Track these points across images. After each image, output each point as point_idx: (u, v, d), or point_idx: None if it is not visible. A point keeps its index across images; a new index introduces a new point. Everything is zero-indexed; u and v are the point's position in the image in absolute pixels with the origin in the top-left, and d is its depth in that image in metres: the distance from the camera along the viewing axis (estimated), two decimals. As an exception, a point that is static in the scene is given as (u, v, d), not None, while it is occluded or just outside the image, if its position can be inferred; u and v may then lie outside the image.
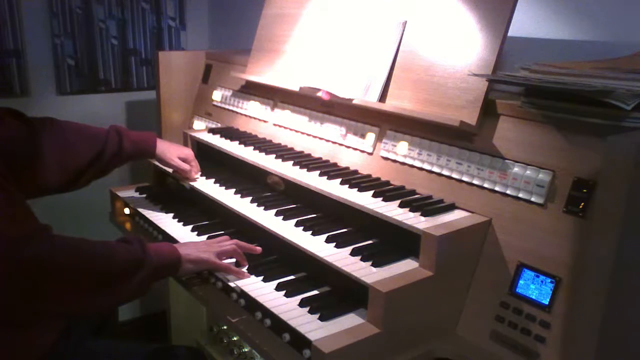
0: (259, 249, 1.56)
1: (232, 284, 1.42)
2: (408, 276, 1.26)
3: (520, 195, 1.31)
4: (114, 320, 1.89)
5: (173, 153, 1.83)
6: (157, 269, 1.38)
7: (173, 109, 2.52)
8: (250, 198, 1.69)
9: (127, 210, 2.03)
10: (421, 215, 1.37)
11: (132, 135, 1.78)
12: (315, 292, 1.39)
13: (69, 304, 1.27)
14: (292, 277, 1.46)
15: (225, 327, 2.23)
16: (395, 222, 1.35)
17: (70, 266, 1.24)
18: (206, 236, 1.68)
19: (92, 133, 1.71)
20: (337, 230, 1.49)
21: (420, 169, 1.54)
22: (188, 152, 1.88)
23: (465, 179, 1.43)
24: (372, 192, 1.49)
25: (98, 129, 1.74)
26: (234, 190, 1.77)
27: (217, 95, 2.38)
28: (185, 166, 1.84)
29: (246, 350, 2.14)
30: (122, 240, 1.41)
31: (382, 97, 1.64)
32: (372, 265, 1.31)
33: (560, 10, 1.63)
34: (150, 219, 1.85)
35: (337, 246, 1.40)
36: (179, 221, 1.81)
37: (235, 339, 2.20)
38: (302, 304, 1.32)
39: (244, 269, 1.49)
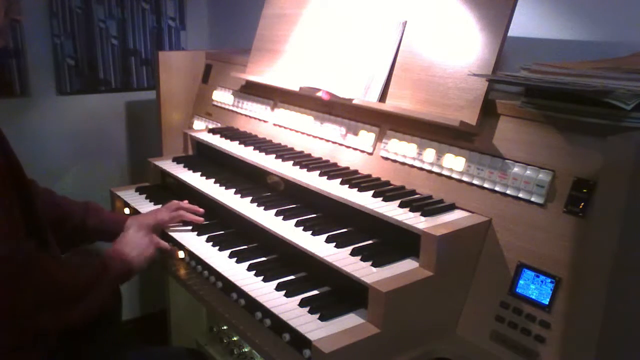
0: (201, 210, 1.75)
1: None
2: (408, 276, 1.26)
3: (520, 195, 1.31)
4: (116, 320, 1.88)
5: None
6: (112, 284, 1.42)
7: (173, 109, 2.52)
8: (250, 198, 1.69)
9: (127, 210, 2.03)
10: (421, 215, 1.37)
11: (104, 214, 1.73)
12: (315, 292, 1.39)
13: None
14: (292, 277, 1.46)
15: (225, 327, 2.23)
16: (395, 222, 1.35)
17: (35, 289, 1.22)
18: (206, 236, 1.68)
19: (60, 203, 1.67)
20: (337, 230, 1.49)
21: (420, 169, 1.54)
22: (161, 217, 1.75)
23: (465, 179, 1.43)
24: (372, 192, 1.49)
25: (71, 202, 1.70)
26: (234, 190, 1.77)
27: (217, 95, 2.38)
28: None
29: (246, 350, 2.14)
30: (81, 253, 1.40)
31: (382, 97, 1.64)
32: (372, 265, 1.31)
33: (560, 10, 1.63)
34: (150, 219, 1.85)
35: (337, 246, 1.40)
36: (179, 221, 1.81)
37: (235, 339, 2.20)
38: (302, 304, 1.32)
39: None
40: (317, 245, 1.40)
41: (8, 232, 1.20)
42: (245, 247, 1.62)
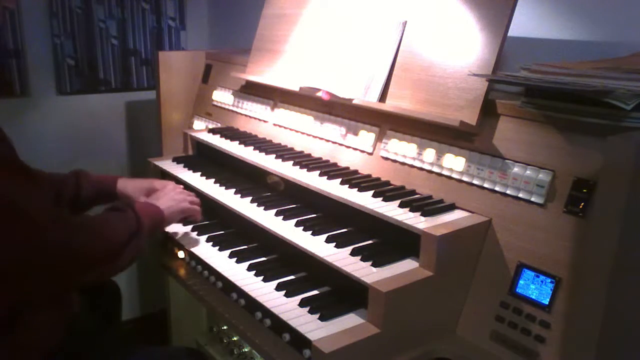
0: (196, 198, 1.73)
1: (230, 279, 1.42)
2: (408, 276, 1.26)
3: (520, 195, 1.31)
4: (116, 320, 1.89)
5: (132, 189, 1.78)
6: (149, 233, 1.45)
7: (173, 109, 2.52)
8: (250, 198, 1.69)
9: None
10: (421, 215, 1.37)
11: (94, 179, 1.76)
12: (315, 292, 1.39)
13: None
14: (292, 277, 1.46)
15: (225, 327, 2.23)
16: (395, 222, 1.35)
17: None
18: (206, 236, 1.69)
19: (53, 183, 1.70)
20: (337, 230, 1.49)
21: (420, 169, 1.54)
22: (150, 184, 1.79)
23: (465, 179, 1.43)
24: (372, 192, 1.49)
25: (61, 178, 1.74)
26: (234, 190, 1.77)
27: (217, 95, 2.38)
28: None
29: (246, 350, 2.14)
30: (115, 208, 1.43)
31: (382, 97, 1.64)
32: (372, 265, 1.31)
33: (560, 10, 1.63)
34: (150, 219, 1.85)
35: (337, 246, 1.40)
36: (179, 221, 1.81)
37: (235, 339, 2.20)
38: (302, 304, 1.33)
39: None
40: (317, 245, 1.40)
41: (50, 205, 1.25)
42: (245, 247, 1.62)
